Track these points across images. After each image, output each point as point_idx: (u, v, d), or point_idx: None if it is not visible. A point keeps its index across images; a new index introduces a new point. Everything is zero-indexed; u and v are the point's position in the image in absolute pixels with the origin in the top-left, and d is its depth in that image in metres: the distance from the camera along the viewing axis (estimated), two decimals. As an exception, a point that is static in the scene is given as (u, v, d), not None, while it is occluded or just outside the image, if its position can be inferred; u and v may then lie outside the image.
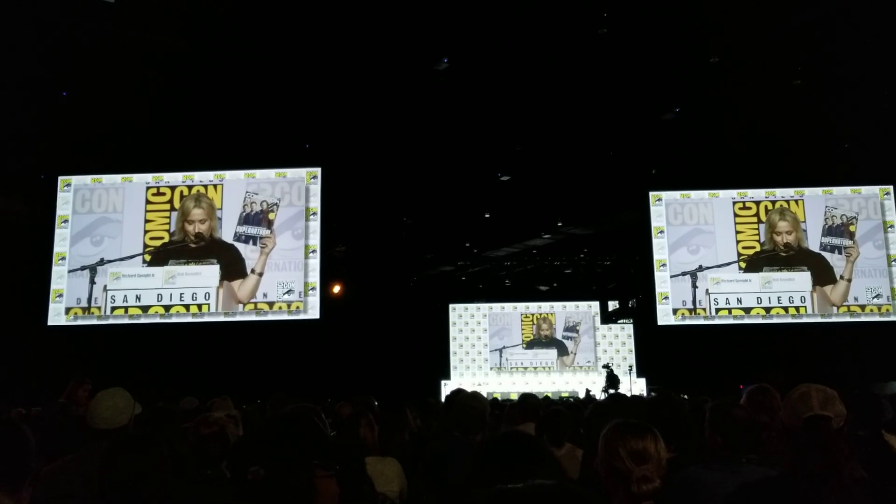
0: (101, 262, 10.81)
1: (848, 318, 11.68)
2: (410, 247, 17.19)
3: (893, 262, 11.80)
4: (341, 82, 9.95)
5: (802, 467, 2.26)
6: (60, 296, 10.75)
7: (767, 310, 11.66)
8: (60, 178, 11.17)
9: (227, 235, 11.00)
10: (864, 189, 12.13)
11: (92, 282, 10.71)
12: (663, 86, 10.41)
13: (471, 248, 18.34)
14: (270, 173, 11.27)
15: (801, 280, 11.75)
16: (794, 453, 2.35)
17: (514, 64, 9.63)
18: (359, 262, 16.18)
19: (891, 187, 12.07)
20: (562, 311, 20.28)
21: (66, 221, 11.02)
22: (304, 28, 8.68)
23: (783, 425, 2.49)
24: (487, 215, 15.59)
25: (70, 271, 10.81)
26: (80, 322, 10.69)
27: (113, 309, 10.70)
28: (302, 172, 11.25)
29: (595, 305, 19.97)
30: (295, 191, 11.18)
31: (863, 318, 11.70)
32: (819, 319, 11.62)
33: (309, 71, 9.65)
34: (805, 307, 11.62)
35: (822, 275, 11.77)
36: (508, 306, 20.48)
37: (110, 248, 10.92)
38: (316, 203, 11.13)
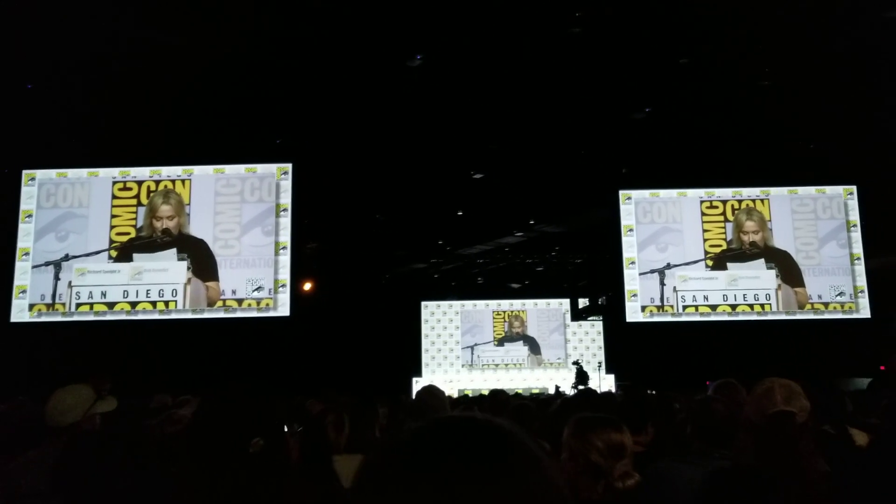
0: (66, 257, 10.64)
1: (812, 316, 11.87)
2: (383, 244, 17.14)
3: (856, 261, 12.02)
4: (313, 77, 9.88)
5: (767, 462, 2.29)
6: (24, 292, 10.57)
7: (733, 307, 11.81)
8: (24, 171, 10.96)
9: (195, 231, 10.89)
10: (829, 189, 12.33)
11: (56, 277, 10.54)
12: (634, 86, 10.49)
13: (443, 245, 18.34)
14: (240, 168, 11.17)
15: (766, 278, 11.92)
16: (758, 448, 2.37)
17: (487, 62, 9.65)
18: (330, 259, 16.11)
19: (854, 187, 12.28)
20: (533, 309, 20.37)
21: (30, 216, 10.83)
22: (276, 22, 8.61)
23: (748, 420, 2.52)
24: (460, 213, 15.60)
25: (34, 267, 10.63)
26: (44, 318, 10.52)
27: (78, 305, 10.54)
28: (272, 168, 11.17)
29: (566, 303, 20.08)
30: (265, 186, 11.10)
31: (826, 316, 11.89)
32: (784, 317, 11.80)
33: (280, 65, 9.58)
34: (770, 304, 11.80)
35: (788, 273, 11.95)
36: (480, 304, 20.52)
37: (75, 244, 10.75)
38: (287, 199, 11.06)
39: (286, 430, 2.97)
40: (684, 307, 11.87)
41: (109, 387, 5.71)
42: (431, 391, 3.87)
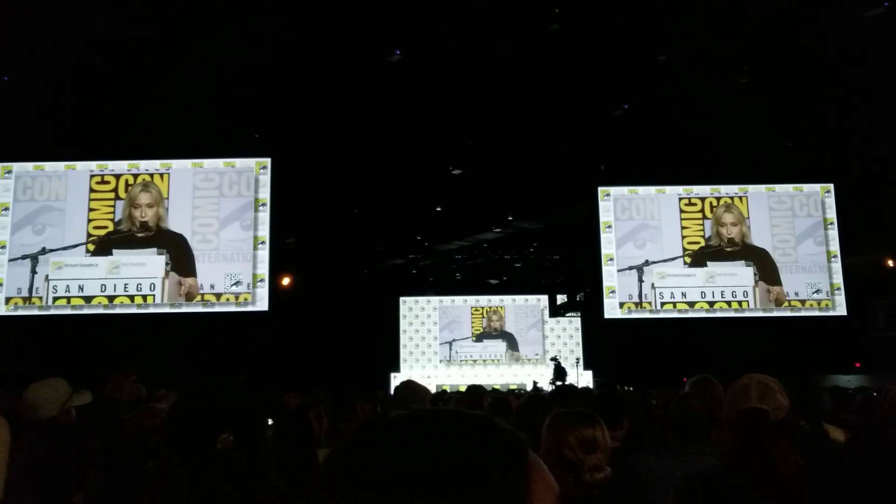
0: (43, 251, 10.52)
1: (788, 313, 11.99)
2: (361, 239, 17.10)
3: (832, 259, 12.16)
4: (292, 72, 9.83)
5: (740, 458, 2.31)
6: (0, 285, 10.44)
7: (711, 304, 11.92)
8: (1, 164, 10.82)
9: (173, 225, 10.80)
10: (806, 187, 12.46)
11: (33, 271, 10.41)
12: (613, 82, 10.54)
13: (422, 241, 18.32)
14: (219, 163, 11.09)
15: (743, 275, 12.03)
16: (733, 444, 2.39)
17: (466, 57, 9.64)
18: (309, 254, 16.04)
19: (831, 185, 12.42)
20: (511, 305, 20.42)
21: (6, 209, 10.69)
22: (256, 16, 8.55)
23: (725, 416, 2.54)
24: (439, 209, 15.59)
25: (10, 260, 10.50)
26: (20, 312, 10.39)
27: (55, 299, 10.43)
28: (251, 162, 11.10)
29: (544, 299, 20.15)
30: (244, 181, 11.04)
31: (803, 313, 12.02)
32: (761, 314, 11.92)
33: (259, 59, 9.51)
34: (747, 302, 11.91)
35: (765, 270, 12.07)
36: (459, 299, 20.53)
37: (53, 237, 10.63)
38: (265, 194, 11.00)
39: (270, 422, 2.96)
40: (662, 304, 11.96)
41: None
42: (411, 386, 3.84)
